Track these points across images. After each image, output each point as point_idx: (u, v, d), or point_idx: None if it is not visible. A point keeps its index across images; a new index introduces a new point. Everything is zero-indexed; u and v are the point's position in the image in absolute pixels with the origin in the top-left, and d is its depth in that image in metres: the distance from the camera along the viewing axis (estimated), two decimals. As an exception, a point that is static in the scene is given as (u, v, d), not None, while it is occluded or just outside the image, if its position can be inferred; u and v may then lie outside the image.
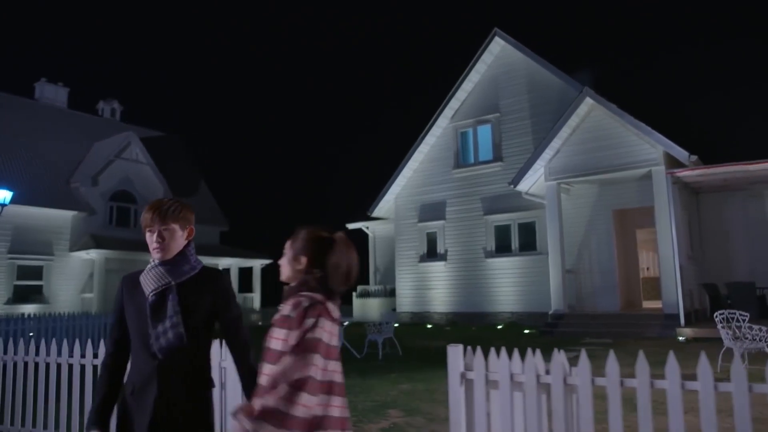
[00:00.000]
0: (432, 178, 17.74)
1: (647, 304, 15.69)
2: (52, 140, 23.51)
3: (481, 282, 16.23)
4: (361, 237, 20.86)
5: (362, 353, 10.24)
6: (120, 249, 21.45)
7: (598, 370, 3.35)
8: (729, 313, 8.11)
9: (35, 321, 11.49)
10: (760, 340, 7.72)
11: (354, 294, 20.76)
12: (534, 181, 14.45)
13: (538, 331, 13.38)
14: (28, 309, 18.80)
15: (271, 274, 31.09)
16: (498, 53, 16.73)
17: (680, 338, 11.21)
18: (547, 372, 3.43)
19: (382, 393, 6.87)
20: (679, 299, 11.63)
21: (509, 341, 10.08)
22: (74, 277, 21.78)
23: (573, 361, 3.38)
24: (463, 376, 3.60)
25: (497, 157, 16.51)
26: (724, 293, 12.69)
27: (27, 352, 4.83)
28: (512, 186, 14.53)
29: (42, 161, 22.36)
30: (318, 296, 1.90)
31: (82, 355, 4.60)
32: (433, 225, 17.46)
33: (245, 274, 26.91)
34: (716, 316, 8.05)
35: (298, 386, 1.74)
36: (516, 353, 3.55)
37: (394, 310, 17.83)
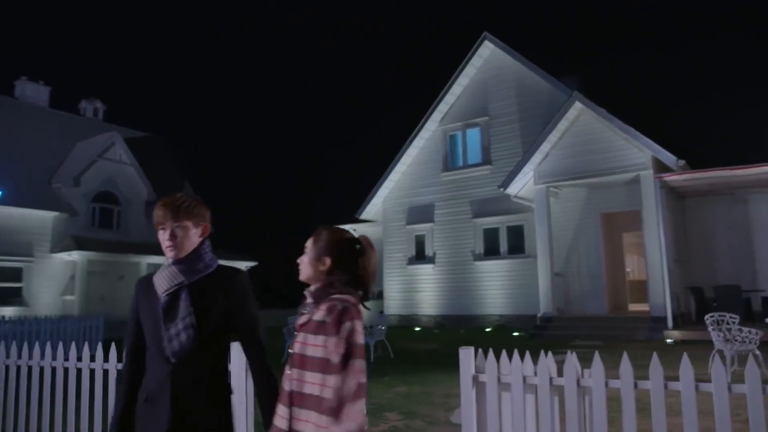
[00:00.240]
0: (421, 180, 17.74)
1: (633, 307, 15.86)
2: (33, 140, 23.05)
3: (470, 285, 16.26)
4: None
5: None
6: (102, 251, 21.11)
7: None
8: (719, 316, 8.21)
9: (17, 324, 11.22)
10: (750, 342, 7.82)
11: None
12: (523, 185, 14.54)
13: (528, 334, 13.43)
14: (7, 312, 18.38)
15: (256, 276, 30.82)
16: (487, 57, 16.82)
17: (668, 341, 11.33)
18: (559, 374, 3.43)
19: (378, 396, 6.82)
20: (667, 302, 11.77)
21: (500, 344, 10.08)
22: (55, 279, 21.35)
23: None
24: (475, 378, 3.57)
25: (486, 161, 16.57)
26: (709, 296, 12.86)
27: (20, 356, 4.69)
28: (502, 189, 14.59)
29: (22, 161, 21.91)
30: (351, 298, 1.85)
31: (78, 359, 4.48)
32: (422, 228, 17.46)
33: (230, 276, 26.61)
34: (707, 319, 8.13)
35: (359, 395, 1.73)
36: (528, 355, 3.54)
37: (381, 312, 17.77)
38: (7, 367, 4.65)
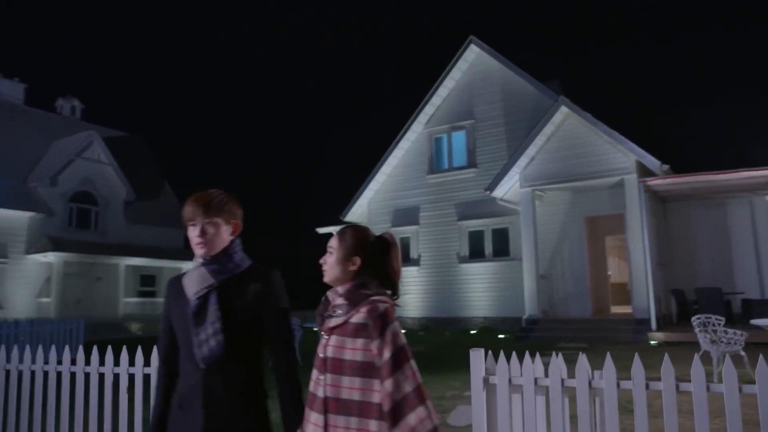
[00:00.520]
0: (406, 183, 17.75)
1: (615, 309, 16.07)
2: (8, 138, 22.48)
3: (455, 287, 16.31)
4: (332, 241, 20.67)
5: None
6: (80, 252, 20.69)
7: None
8: (705, 318, 8.35)
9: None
10: (735, 344, 7.97)
11: (323, 299, 20.52)
12: (509, 188, 14.64)
13: (514, 336, 13.51)
14: (-19, 314, 17.88)
15: (236, 278, 30.46)
16: (473, 60, 16.92)
17: (652, 342, 11.50)
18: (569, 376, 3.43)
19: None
20: (650, 304, 11.94)
21: (486, 346, 10.12)
22: (30, 281, 20.84)
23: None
24: (485, 380, 3.56)
25: (471, 164, 16.65)
26: (690, 299, 13.10)
27: (9, 360, 4.55)
28: (488, 192, 14.67)
29: (-3, 159, 21.37)
30: (388, 299, 1.81)
31: (73, 362, 4.36)
32: (407, 230, 17.46)
33: (210, 278, 26.29)
34: (693, 321, 8.27)
35: (420, 399, 1.69)
36: (538, 357, 3.54)
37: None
38: (7, 372, 4.51)
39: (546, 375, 3.48)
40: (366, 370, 1.73)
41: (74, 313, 19.67)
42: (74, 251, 20.49)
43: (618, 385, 3.29)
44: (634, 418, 3.24)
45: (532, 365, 3.48)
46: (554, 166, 13.77)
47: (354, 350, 1.75)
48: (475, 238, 16.27)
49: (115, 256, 21.81)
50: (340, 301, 1.84)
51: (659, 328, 11.94)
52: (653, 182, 12.41)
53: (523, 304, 14.21)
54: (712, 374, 7.73)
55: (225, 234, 1.92)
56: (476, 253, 16.15)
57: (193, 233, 1.89)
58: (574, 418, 3.43)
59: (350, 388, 1.74)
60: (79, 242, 21.58)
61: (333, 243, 1.93)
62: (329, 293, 1.93)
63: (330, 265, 1.90)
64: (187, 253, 25.50)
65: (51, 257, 20.21)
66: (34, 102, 25.71)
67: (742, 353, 7.80)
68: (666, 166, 12.49)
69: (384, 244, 1.91)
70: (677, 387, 3.20)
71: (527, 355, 3.49)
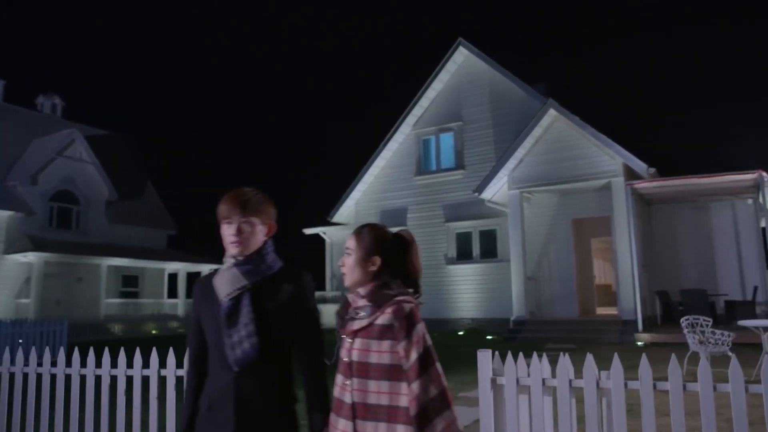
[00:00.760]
0: (393, 184, 17.75)
1: (600, 311, 16.24)
2: (-13, 135, 22.02)
3: (442, 288, 16.34)
4: (318, 243, 20.63)
5: (332, 360, 10.06)
6: (61, 252, 20.29)
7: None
8: (693, 319, 8.47)
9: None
10: (723, 344, 8.09)
11: (311, 300, 20.44)
12: (497, 190, 14.71)
13: (502, 337, 13.58)
14: (-42, 315, 17.45)
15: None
16: (461, 63, 16.99)
17: (639, 343, 11.64)
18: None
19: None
20: (637, 306, 12.09)
21: (474, 347, 10.14)
22: (8, 281, 20.40)
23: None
24: (493, 381, 3.56)
25: (459, 165, 16.71)
26: (675, 300, 13.29)
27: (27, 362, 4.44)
28: (476, 194, 14.73)
29: (-25, 157, 20.91)
30: (412, 299, 1.77)
31: (68, 364, 4.27)
32: (394, 231, 17.43)
33: (194, 279, 25.96)
34: (682, 322, 8.38)
35: (446, 403, 1.66)
36: (545, 358, 3.55)
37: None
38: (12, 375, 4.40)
39: (553, 375, 3.50)
40: (393, 373, 1.69)
41: (54, 314, 19.30)
42: (55, 251, 20.09)
43: (626, 385, 3.32)
44: (641, 417, 3.26)
45: (540, 366, 3.49)
46: (542, 169, 13.88)
47: (380, 353, 1.71)
48: (463, 240, 16.32)
49: (96, 256, 21.44)
50: (362, 302, 1.80)
51: (645, 329, 12.09)
52: (640, 185, 12.57)
53: (510, 306, 14.29)
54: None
55: (260, 234, 1.89)
56: (464, 255, 16.20)
57: (229, 231, 1.85)
58: (579, 418, 3.45)
59: (378, 392, 1.70)
60: (59, 242, 21.19)
61: (350, 244, 1.87)
62: (349, 294, 1.89)
63: (349, 267, 1.85)
64: (170, 254, 25.18)
65: (31, 257, 19.80)
66: (14, 99, 25.14)
67: (730, 354, 7.92)
68: (652, 170, 12.66)
69: (403, 241, 1.87)
70: (684, 387, 3.24)
71: (535, 355, 3.49)
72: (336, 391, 1.80)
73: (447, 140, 17.09)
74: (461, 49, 16.81)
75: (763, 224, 14.45)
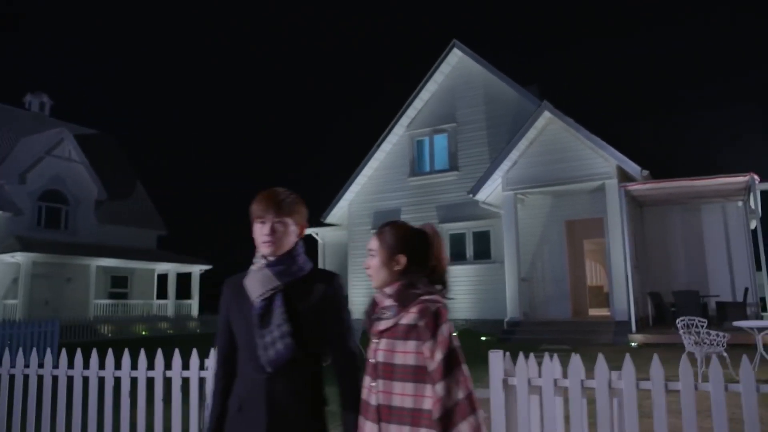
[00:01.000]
0: (387, 185, 17.74)
1: (593, 312, 16.33)
2: (-26, 133, 21.72)
3: (436, 289, 16.33)
4: (310, 243, 20.55)
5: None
6: (49, 252, 20.05)
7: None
8: (689, 320, 8.54)
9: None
10: (718, 345, 8.17)
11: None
12: (491, 191, 14.75)
13: (496, 338, 13.61)
14: (-56, 316, 17.17)
15: (209, 280, 30.03)
16: (456, 64, 17.02)
17: (633, 344, 11.72)
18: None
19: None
20: (630, 307, 12.17)
21: (469, 348, 10.15)
22: (-4, 281, 20.14)
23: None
24: (505, 382, 3.55)
25: (453, 167, 16.74)
26: (667, 301, 13.40)
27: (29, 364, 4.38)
28: (471, 195, 14.75)
29: (-38, 156, 20.61)
30: (440, 299, 1.75)
31: (71, 366, 4.21)
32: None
33: (183, 280, 25.83)
34: (678, 323, 8.45)
35: (472, 407, 1.61)
36: (556, 358, 3.55)
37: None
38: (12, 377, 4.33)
39: (564, 376, 3.50)
40: (418, 374, 1.67)
41: (42, 315, 19.06)
42: (43, 251, 19.86)
43: (637, 385, 3.33)
44: (653, 418, 3.28)
45: (552, 366, 3.49)
46: (536, 170, 13.94)
47: (405, 353, 1.68)
48: (457, 241, 16.34)
49: (85, 256, 21.21)
50: (388, 302, 1.78)
51: (638, 330, 12.18)
52: (634, 187, 12.66)
53: (504, 307, 14.33)
54: (696, 375, 7.89)
55: (293, 235, 1.88)
56: (457, 256, 16.22)
57: (262, 231, 1.84)
58: (589, 419, 3.46)
59: (402, 394, 1.67)
60: (48, 242, 20.95)
61: (373, 244, 1.85)
62: (376, 294, 1.87)
63: (375, 268, 1.83)
64: (160, 254, 24.97)
65: (19, 257, 19.54)
66: (1, 97, 24.83)
67: (725, 354, 8.00)
68: (646, 172, 12.77)
69: (426, 237, 1.84)
70: (696, 387, 3.25)
71: (546, 356, 3.50)
72: (363, 393, 1.78)
73: (441, 141, 17.12)
74: (455, 50, 16.85)
75: (752, 226, 14.64)
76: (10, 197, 20.79)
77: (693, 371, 3.27)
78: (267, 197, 1.86)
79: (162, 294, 25.12)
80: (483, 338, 14.11)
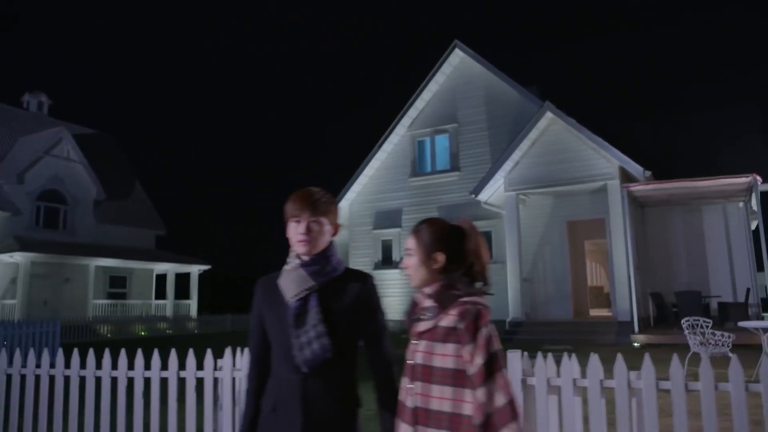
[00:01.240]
0: (388, 185, 17.73)
1: (593, 312, 16.35)
2: (-29, 133, 21.62)
3: (437, 290, 16.33)
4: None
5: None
6: (48, 252, 19.96)
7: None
8: (694, 320, 8.55)
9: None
10: (724, 345, 8.18)
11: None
12: (493, 192, 14.76)
13: (499, 339, 13.60)
14: (-58, 317, 17.07)
15: (208, 280, 29.97)
16: (457, 64, 17.03)
17: (635, 344, 11.73)
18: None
19: (372, 402, 6.69)
20: (633, 307, 12.19)
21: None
22: (-6, 281, 20.05)
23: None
24: (523, 382, 3.54)
25: (454, 167, 16.74)
26: (669, 301, 13.42)
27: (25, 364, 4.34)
28: (473, 196, 14.76)
29: (-40, 155, 20.50)
30: (481, 300, 1.70)
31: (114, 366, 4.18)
32: (388, 233, 17.42)
33: (182, 280, 25.77)
34: (683, 323, 8.46)
35: (513, 415, 1.57)
36: (575, 358, 3.54)
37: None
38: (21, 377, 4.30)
39: (583, 376, 3.49)
40: (457, 378, 1.63)
41: (41, 315, 18.98)
42: (42, 251, 19.76)
43: (657, 385, 3.33)
44: (673, 417, 3.27)
45: (571, 366, 3.48)
46: (538, 171, 13.95)
47: (444, 356, 1.65)
48: (458, 241, 16.33)
49: (84, 256, 21.12)
50: (428, 303, 1.75)
51: (641, 331, 12.19)
52: (636, 188, 12.68)
53: (505, 307, 14.33)
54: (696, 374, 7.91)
55: (327, 234, 1.86)
56: (459, 256, 16.22)
57: (298, 230, 1.82)
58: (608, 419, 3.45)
59: (440, 398, 1.65)
60: (46, 242, 20.86)
61: (410, 244, 1.81)
62: (416, 294, 1.84)
63: (413, 268, 1.79)
64: (159, 254, 24.89)
65: (17, 257, 19.44)
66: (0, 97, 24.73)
67: (730, 354, 8.01)
68: (648, 173, 12.79)
69: (464, 233, 1.79)
70: (716, 387, 3.25)
71: (565, 355, 3.49)
72: (401, 394, 1.76)
73: (442, 142, 17.12)
74: (457, 51, 16.86)
75: (752, 227, 14.69)
76: (8, 197, 20.69)
77: (694, 371, 3.26)
78: (302, 196, 1.85)
79: (161, 294, 25.05)
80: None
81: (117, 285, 24.12)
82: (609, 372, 3.39)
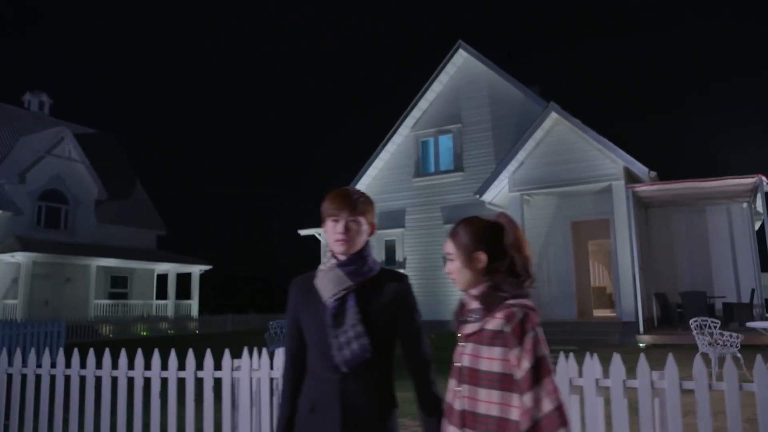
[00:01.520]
0: (391, 185, 17.72)
1: (597, 313, 16.35)
2: (-28, 132, 21.56)
3: (440, 290, 16.32)
4: (313, 244, 20.51)
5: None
6: (49, 252, 19.93)
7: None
8: (702, 320, 8.55)
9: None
10: (732, 345, 8.18)
11: (306, 302, 20.34)
12: (497, 192, 14.75)
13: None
14: (-56, 317, 17.02)
15: (209, 280, 29.93)
16: (461, 65, 17.03)
17: (641, 344, 11.73)
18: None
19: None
20: (638, 308, 12.19)
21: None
22: (-5, 281, 20.00)
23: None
24: (545, 382, 3.53)
25: (458, 167, 16.73)
26: (673, 302, 13.42)
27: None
28: (478, 196, 14.75)
29: (-39, 155, 20.45)
30: (528, 302, 1.68)
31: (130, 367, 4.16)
32: (392, 233, 17.41)
33: (183, 280, 25.74)
34: (691, 323, 8.46)
35: (562, 421, 1.53)
36: (596, 358, 3.53)
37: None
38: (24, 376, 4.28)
39: (605, 376, 3.48)
40: (505, 382, 1.60)
41: (42, 315, 18.94)
42: (43, 251, 19.73)
43: (681, 385, 3.31)
44: (696, 418, 3.26)
45: (593, 366, 3.47)
46: (543, 171, 13.94)
47: (491, 360, 1.62)
48: (462, 242, 16.33)
49: (85, 256, 21.08)
50: (475, 305, 1.72)
51: (645, 331, 12.19)
52: (642, 188, 12.68)
53: (509, 307, 14.30)
54: (711, 375, 7.90)
55: (364, 234, 1.87)
56: (462, 257, 16.21)
57: (336, 229, 1.82)
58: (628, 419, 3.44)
59: (488, 402, 1.62)
60: (48, 242, 20.82)
61: (449, 248, 1.77)
62: (464, 296, 1.81)
63: (456, 271, 1.76)
64: (160, 255, 24.85)
65: (19, 257, 19.40)
66: (0, 96, 24.67)
67: (739, 355, 8.01)
68: (654, 173, 12.79)
69: (501, 228, 1.74)
70: (740, 387, 3.24)
71: (587, 355, 3.48)
72: (448, 396, 1.74)
73: (446, 142, 17.12)
74: (461, 51, 16.85)
75: (756, 227, 14.70)
76: (9, 197, 20.65)
77: (707, 371, 3.26)
78: (341, 196, 1.84)
79: (162, 294, 25.02)
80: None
81: (118, 285, 24.08)
82: (628, 372, 3.39)
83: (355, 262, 1.82)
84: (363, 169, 17.84)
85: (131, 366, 4.09)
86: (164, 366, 4.08)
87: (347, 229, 1.80)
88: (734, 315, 12.08)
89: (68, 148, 22.65)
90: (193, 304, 24.99)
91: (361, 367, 1.74)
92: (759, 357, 3.25)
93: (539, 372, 1.56)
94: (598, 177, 13.36)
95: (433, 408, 1.81)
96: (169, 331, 22.65)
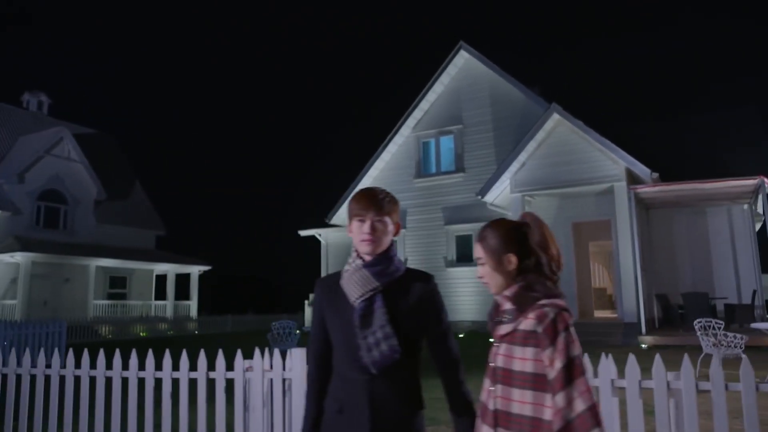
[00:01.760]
0: (393, 186, 17.68)
1: (598, 314, 16.37)
2: (-28, 132, 21.49)
3: (442, 291, 16.17)
4: (313, 244, 20.49)
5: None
6: (48, 252, 19.87)
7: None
8: (706, 321, 8.56)
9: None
10: (736, 346, 8.19)
11: (306, 302, 20.32)
12: (499, 193, 14.76)
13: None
14: (-57, 317, 16.94)
15: (208, 280, 29.89)
16: (462, 65, 17.04)
17: (643, 345, 11.74)
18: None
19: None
20: (640, 309, 12.20)
21: (478, 350, 10.09)
22: (-6, 282, 19.92)
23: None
24: (561, 382, 3.52)
25: (459, 168, 16.74)
26: (674, 303, 13.45)
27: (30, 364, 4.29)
28: (479, 197, 14.75)
29: (-40, 154, 20.37)
30: (560, 302, 1.67)
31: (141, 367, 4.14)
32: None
33: (182, 280, 25.69)
34: (695, 324, 8.47)
35: (595, 422, 1.53)
36: (611, 358, 3.53)
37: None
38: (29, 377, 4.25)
39: (620, 376, 3.48)
40: (538, 383, 1.61)
41: (41, 315, 18.87)
42: (42, 251, 19.66)
43: (697, 386, 3.31)
44: (713, 419, 3.26)
45: (609, 366, 3.47)
46: (545, 172, 13.95)
47: (524, 360, 1.63)
48: (463, 243, 16.34)
49: (84, 256, 21.02)
50: (508, 305, 1.73)
51: (647, 332, 12.20)
52: (643, 190, 12.70)
53: (511, 308, 14.30)
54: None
55: (390, 234, 1.86)
56: (464, 258, 16.21)
57: (362, 228, 1.81)
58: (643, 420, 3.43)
59: (521, 402, 1.63)
60: (47, 242, 20.75)
61: (478, 252, 1.78)
62: (498, 297, 1.81)
63: (488, 275, 1.77)
64: (159, 255, 24.79)
65: (18, 257, 19.34)
66: (-1, 95, 24.59)
67: (743, 356, 8.02)
68: (656, 175, 12.81)
69: (528, 228, 1.75)
70: (757, 388, 3.24)
71: (603, 355, 3.47)
72: (482, 396, 1.75)
73: (447, 143, 17.12)
74: (462, 52, 16.86)
75: (756, 228, 14.74)
76: (8, 197, 20.58)
77: (705, 372, 3.25)
78: (367, 196, 1.84)
79: (161, 295, 24.96)
80: (491, 340, 14.09)
81: (117, 285, 24.02)
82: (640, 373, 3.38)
83: (382, 262, 1.81)
84: (364, 169, 17.83)
85: (141, 366, 4.07)
86: (174, 366, 4.06)
87: (374, 229, 1.79)
88: (736, 316, 12.09)
89: (67, 148, 22.59)
90: (192, 305, 24.93)
91: (390, 368, 1.73)
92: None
93: (572, 372, 1.56)
94: (599, 178, 13.38)
95: (463, 408, 1.81)
96: (168, 332, 22.60)
